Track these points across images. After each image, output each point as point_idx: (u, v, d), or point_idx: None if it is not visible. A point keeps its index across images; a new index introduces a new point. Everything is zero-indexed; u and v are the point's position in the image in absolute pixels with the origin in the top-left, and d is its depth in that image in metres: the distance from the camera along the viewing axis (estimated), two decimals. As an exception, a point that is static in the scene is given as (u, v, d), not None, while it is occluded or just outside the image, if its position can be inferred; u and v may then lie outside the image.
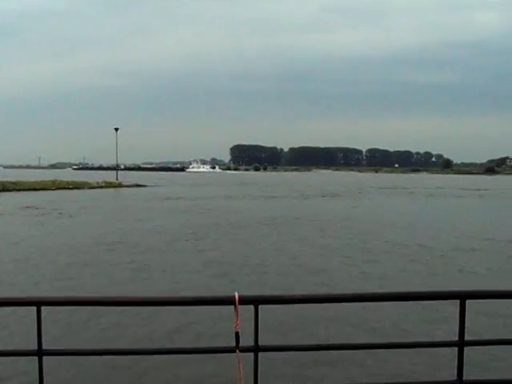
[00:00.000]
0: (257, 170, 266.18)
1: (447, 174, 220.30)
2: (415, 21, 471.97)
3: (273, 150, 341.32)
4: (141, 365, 8.23)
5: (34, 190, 59.68)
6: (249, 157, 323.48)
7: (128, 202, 46.43)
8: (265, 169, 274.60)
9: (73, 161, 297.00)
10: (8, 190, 57.33)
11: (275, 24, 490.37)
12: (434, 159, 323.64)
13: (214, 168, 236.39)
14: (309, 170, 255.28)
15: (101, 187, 68.56)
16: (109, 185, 70.95)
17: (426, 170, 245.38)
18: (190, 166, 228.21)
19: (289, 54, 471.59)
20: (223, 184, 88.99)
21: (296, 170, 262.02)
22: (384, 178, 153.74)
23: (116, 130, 76.71)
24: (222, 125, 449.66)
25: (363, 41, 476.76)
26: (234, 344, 2.94)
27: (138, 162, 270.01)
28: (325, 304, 3.56)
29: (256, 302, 2.94)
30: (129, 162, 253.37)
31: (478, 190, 74.12)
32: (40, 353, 2.94)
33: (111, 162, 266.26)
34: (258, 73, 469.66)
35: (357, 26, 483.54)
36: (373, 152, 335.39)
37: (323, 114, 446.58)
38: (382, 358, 8.47)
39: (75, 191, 60.82)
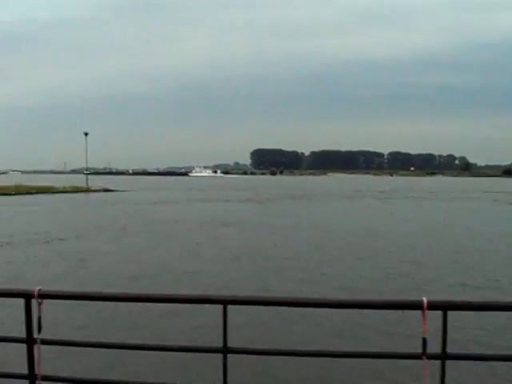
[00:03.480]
0: (273, 174, 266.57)
1: (463, 176, 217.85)
2: (438, 23, 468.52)
3: (293, 153, 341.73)
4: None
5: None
6: (269, 161, 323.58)
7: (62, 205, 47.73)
8: (281, 173, 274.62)
9: (97, 166, 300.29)
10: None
11: (295, 28, 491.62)
12: (457, 162, 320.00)
13: (216, 172, 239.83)
14: (324, 174, 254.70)
15: (66, 192, 69.55)
16: (75, 189, 71.95)
17: (442, 173, 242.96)
18: (193, 171, 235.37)
19: (310, 58, 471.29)
20: (199, 188, 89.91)
21: (312, 173, 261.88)
22: (386, 181, 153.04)
23: (86, 134, 78.31)
24: (244, 129, 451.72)
25: (385, 43, 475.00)
26: (419, 350, 2.88)
27: (162, 166, 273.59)
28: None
29: (445, 307, 2.89)
30: (151, 167, 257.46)
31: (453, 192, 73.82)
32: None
33: (136, 167, 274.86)
34: (278, 77, 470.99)
35: (379, 28, 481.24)
36: (394, 155, 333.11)
37: (345, 117, 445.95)
38: (361, 367, 8.30)
39: (36, 196, 61.77)
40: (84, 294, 3.36)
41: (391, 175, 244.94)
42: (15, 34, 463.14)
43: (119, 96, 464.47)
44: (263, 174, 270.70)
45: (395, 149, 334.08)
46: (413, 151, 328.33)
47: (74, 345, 3.58)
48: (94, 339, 4.12)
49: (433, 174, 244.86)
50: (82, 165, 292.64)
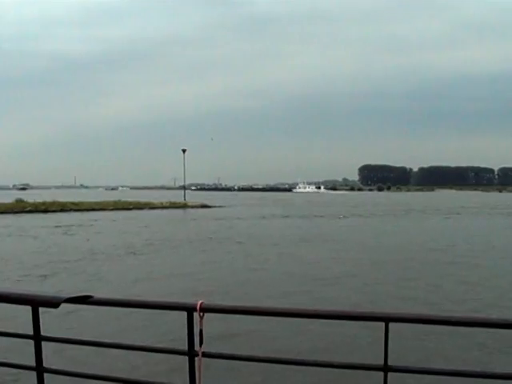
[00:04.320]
0: (380, 190, 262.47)
1: None
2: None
3: (401, 169, 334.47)
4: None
5: (93, 210, 62.44)
6: (377, 177, 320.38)
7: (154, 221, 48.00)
8: (388, 189, 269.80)
9: (208, 182, 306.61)
10: (66, 211, 60.85)
11: (404, 42, 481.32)
12: None
13: (319, 188, 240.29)
14: (432, 190, 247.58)
15: (163, 207, 70.28)
16: (173, 205, 72.61)
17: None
18: (297, 187, 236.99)
19: (419, 72, 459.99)
20: (301, 204, 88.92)
21: (419, 190, 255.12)
22: (494, 197, 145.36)
23: (183, 151, 78.65)
24: (353, 145, 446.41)
25: (497, 55, 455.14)
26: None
27: (270, 182, 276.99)
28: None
29: (386, 319, 2.91)
30: (261, 183, 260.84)
31: None
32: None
33: (244, 183, 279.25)
34: (386, 92, 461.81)
35: (490, 40, 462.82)
36: (505, 171, 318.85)
37: (454, 132, 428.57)
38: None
39: (133, 212, 62.66)
40: (245, 309, 3.25)
41: (500, 191, 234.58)
42: (124, 52, 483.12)
43: (227, 112, 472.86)
44: (370, 190, 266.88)
45: (507, 165, 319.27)
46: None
47: (234, 358, 3.53)
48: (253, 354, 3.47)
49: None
50: (192, 181, 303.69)
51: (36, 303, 3.11)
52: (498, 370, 3.20)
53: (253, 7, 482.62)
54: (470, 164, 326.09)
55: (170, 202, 73.68)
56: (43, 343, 3.24)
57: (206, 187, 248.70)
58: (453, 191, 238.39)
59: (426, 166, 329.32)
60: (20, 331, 3.39)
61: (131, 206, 67.85)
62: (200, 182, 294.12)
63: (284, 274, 19.85)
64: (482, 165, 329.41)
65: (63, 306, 2.95)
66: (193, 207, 73.54)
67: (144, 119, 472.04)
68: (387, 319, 2.84)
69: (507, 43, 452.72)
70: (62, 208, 61.87)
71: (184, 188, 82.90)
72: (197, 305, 2.95)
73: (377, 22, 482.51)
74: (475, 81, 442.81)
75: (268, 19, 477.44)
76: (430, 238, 32.47)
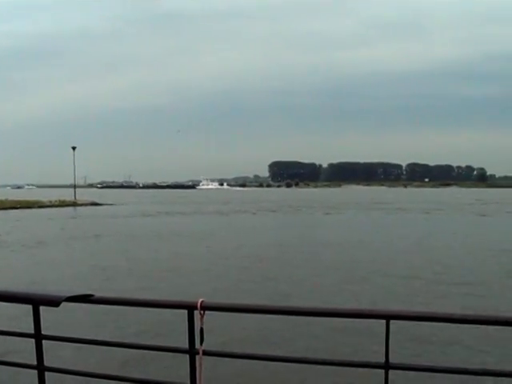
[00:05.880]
0: (289, 186, 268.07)
1: (479, 188, 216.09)
2: (455, 34, 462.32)
3: (312, 165, 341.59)
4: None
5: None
6: (288, 173, 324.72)
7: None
8: (296, 185, 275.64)
9: (118, 179, 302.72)
10: None
11: (317, 41, 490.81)
12: (475, 173, 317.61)
13: (222, 185, 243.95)
14: (339, 186, 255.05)
15: (52, 206, 70.44)
16: (62, 204, 72.86)
17: (457, 185, 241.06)
18: (200, 184, 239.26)
19: (330, 70, 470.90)
20: (197, 202, 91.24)
21: (327, 186, 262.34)
22: (393, 192, 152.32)
23: (73, 148, 79.55)
24: (265, 142, 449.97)
25: (402, 55, 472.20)
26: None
27: (182, 179, 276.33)
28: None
29: (388, 316, 2.91)
30: (172, 180, 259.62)
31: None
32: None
33: (157, 180, 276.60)
34: (298, 89, 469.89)
35: (396, 40, 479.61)
36: (412, 167, 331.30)
37: (363, 129, 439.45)
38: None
39: (19, 211, 62.05)
40: (246, 307, 3.41)
41: (405, 187, 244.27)
42: (34, 47, 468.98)
43: (139, 109, 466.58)
44: (279, 186, 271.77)
45: (415, 160, 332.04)
46: (432, 163, 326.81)
47: (234, 356, 3.55)
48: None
49: (448, 185, 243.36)
50: (103, 178, 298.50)
51: (37, 302, 3.15)
52: (499, 367, 3.43)
53: (167, 2, 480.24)
54: (381, 160, 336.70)
55: (60, 201, 73.78)
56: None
57: (112, 184, 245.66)
58: (360, 187, 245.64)
59: (335, 162, 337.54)
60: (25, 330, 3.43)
61: (18, 205, 67.53)
62: (110, 179, 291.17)
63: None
64: (393, 161, 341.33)
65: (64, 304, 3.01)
66: (82, 205, 74.52)
67: (55, 116, 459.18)
68: (388, 317, 2.85)
69: (415, 43, 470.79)
70: None
71: (74, 186, 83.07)
72: (197, 303, 2.98)
73: (288, 19, 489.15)
74: (384, 79, 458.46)
75: (181, 15, 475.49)
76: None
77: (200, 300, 2.97)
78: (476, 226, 42.57)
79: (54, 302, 2.97)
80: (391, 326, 2.80)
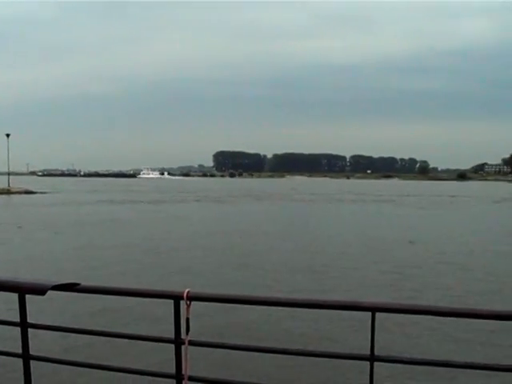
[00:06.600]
0: (232, 176, 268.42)
1: (420, 180, 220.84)
2: (403, 28, 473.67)
3: (256, 156, 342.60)
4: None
5: None
6: (232, 163, 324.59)
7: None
8: (240, 175, 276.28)
9: (61, 167, 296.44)
10: None
11: (262, 31, 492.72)
12: (418, 165, 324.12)
13: (163, 174, 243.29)
14: (282, 177, 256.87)
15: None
16: (-5, 191, 71.47)
17: (399, 177, 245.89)
18: (141, 173, 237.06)
19: (275, 61, 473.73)
20: (134, 190, 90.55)
21: (271, 176, 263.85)
22: (333, 183, 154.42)
23: (7, 135, 77.79)
24: (210, 131, 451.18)
25: (350, 48, 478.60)
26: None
27: (125, 168, 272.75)
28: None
29: (373, 309, 2.90)
30: (115, 169, 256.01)
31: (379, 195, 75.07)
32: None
33: (101, 169, 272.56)
34: (244, 79, 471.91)
35: (344, 33, 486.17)
36: (356, 158, 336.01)
37: (308, 121, 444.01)
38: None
39: None
40: (232, 297, 3.43)
41: (348, 178, 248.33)
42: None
43: (86, 96, 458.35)
44: (223, 176, 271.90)
45: (360, 152, 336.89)
46: (376, 155, 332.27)
47: (220, 347, 3.64)
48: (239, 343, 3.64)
49: (389, 177, 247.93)
50: (46, 166, 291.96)
51: (23, 290, 3.14)
52: (482, 361, 3.44)
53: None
54: (325, 152, 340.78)
55: (-8, 189, 72.30)
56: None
57: (54, 172, 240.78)
58: (303, 178, 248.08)
59: (279, 152, 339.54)
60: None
61: None
62: (54, 167, 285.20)
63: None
64: (338, 152, 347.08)
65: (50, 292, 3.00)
66: (16, 193, 73.11)
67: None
68: (374, 309, 2.85)
69: (362, 36, 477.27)
70: None
71: (8, 174, 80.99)
72: (183, 293, 2.97)
73: (238, 9, 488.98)
74: (329, 71, 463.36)
75: (129, 3, 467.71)
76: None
77: (186, 290, 2.95)
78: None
79: (39, 290, 2.96)
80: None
